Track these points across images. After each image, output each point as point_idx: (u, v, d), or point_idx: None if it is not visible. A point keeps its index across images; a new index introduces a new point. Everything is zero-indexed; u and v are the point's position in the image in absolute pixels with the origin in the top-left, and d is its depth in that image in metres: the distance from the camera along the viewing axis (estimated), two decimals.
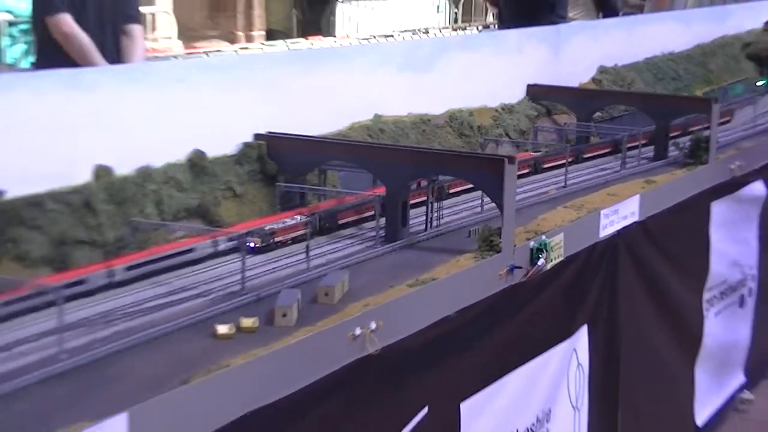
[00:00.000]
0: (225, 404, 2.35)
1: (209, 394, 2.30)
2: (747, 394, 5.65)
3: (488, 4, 10.29)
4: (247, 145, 3.54)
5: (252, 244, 3.18)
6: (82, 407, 2.12)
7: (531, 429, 3.65)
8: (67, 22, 5.26)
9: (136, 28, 5.72)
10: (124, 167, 3.14)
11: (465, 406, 3.27)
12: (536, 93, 5.14)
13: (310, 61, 4.23)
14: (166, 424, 2.21)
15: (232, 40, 11.30)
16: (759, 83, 6.68)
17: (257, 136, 3.57)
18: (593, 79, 5.75)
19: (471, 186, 3.75)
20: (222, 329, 2.53)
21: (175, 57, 9.17)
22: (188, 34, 11.12)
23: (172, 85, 3.41)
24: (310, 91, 3.89)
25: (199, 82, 3.51)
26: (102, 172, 3.08)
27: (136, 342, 2.48)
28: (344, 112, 4.04)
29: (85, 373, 2.32)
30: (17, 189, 2.85)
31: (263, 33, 12.11)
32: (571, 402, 3.90)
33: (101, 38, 5.43)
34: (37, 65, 5.95)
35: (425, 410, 3.06)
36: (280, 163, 3.55)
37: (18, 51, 9.28)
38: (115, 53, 5.54)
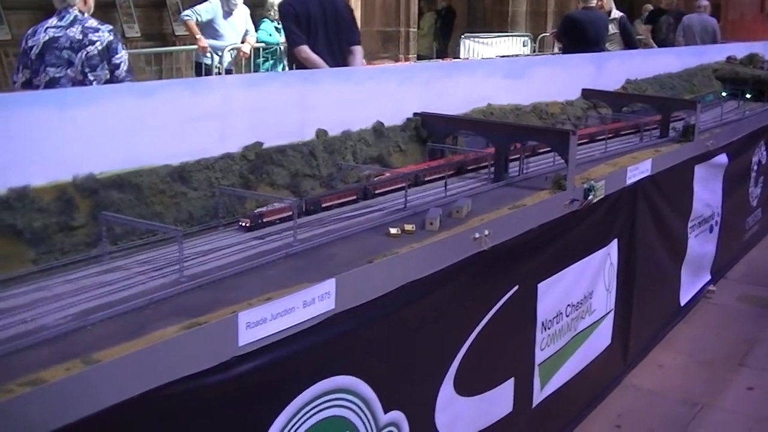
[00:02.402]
0: (394, 276, 2.24)
1: (384, 270, 2.19)
2: (711, 287, 5.36)
3: (555, 41, 9.88)
4: (409, 119, 3.37)
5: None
6: (308, 274, 2.04)
7: (580, 302, 3.45)
8: (305, 50, 5.09)
9: (357, 48, 5.39)
10: (334, 130, 3.02)
11: (541, 286, 3.10)
12: (587, 94, 4.87)
13: (448, 69, 4.06)
14: (357, 286, 2.11)
15: (397, 60, 11.23)
16: (723, 94, 6.38)
17: (415, 114, 3.40)
18: (622, 87, 5.44)
19: (548, 149, 3.52)
20: (393, 230, 2.41)
21: None
22: (370, 56, 11.14)
23: (365, 82, 3.26)
24: (448, 87, 3.70)
25: (381, 79, 3.37)
26: (321, 133, 2.96)
27: (340, 236, 2.37)
28: (469, 101, 3.82)
29: (309, 254, 2.23)
30: (271, 141, 2.75)
31: (415, 56, 12.02)
32: (605, 286, 3.68)
33: (331, 57, 5.23)
34: None
35: (516, 287, 2.91)
36: (429, 131, 3.38)
37: (267, 65, 9.20)
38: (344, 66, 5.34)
